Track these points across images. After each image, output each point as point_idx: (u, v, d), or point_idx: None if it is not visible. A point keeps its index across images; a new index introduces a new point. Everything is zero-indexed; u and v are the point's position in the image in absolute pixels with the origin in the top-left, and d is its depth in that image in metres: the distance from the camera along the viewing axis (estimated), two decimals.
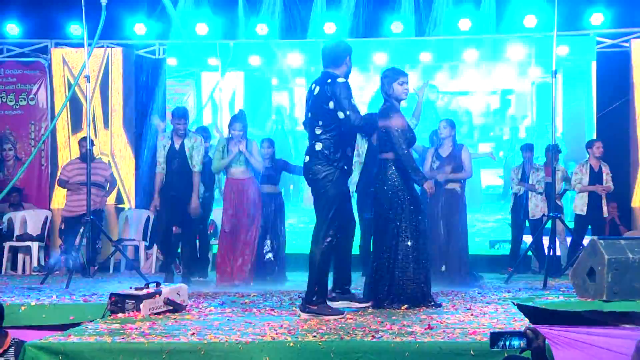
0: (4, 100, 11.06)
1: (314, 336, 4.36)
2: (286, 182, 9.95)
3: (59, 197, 10.61)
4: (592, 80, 11.17)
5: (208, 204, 8.75)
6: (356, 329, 4.59)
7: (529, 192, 9.30)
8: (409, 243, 5.64)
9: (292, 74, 13.76)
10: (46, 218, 9.96)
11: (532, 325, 4.08)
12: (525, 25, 10.42)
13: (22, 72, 11.11)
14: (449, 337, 4.29)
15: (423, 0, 10.39)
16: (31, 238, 9.66)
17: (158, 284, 5.60)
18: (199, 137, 7.99)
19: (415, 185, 5.95)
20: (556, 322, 5.16)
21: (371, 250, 5.89)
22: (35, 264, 9.57)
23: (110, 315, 5.29)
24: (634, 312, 5.59)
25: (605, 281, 5.69)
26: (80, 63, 10.66)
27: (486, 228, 12.43)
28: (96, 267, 8.87)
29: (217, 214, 8.96)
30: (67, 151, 10.74)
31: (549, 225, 7.64)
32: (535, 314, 5.56)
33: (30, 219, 9.86)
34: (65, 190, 9.20)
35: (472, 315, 5.22)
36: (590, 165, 8.96)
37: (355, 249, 7.59)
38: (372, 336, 4.33)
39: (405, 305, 5.53)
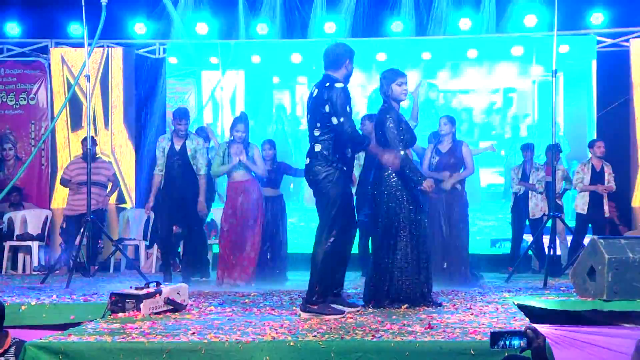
0: (4, 99, 11.07)
1: (314, 336, 4.36)
2: (287, 181, 9.96)
3: (59, 197, 10.63)
4: (593, 80, 11.18)
5: (207, 205, 8.74)
6: (356, 329, 4.59)
7: (529, 192, 9.30)
8: (408, 243, 5.63)
9: (293, 72, 13.76)
10: (46, 218, 9.97)
11: (532, 325, 4.09)
12: (525, 25, 10.43)
13: (23, 72, 11.12)
14: (449, 336, 4.29)
15: (423, 0, 10.39)
16: (31, 238, 9.67)
17: (158, 284, 5.60)
18: (200, 139, 7.99)
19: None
20: (556, 322, 5.17)
21: (370, 250, 5.88)
22: (35, 263, 9.58)
23: (110, 315, 5.29)
24: (634, 311, 5.60)
25: (606, 280, 5.69)
26: (79, 62, 10.69)
27: (487, 227, 12.43)
28: (96, 267, 8.88)
29: (217, 214, 8.97)
30: (67, 149, 10.75)
31: (549, 224, 7.64)
32: (536, 314, 5.56)
33: (30, 219, 9.87)
34: (67, 189, 9.21)
35: (472, 314, 5.22)
36: (592, 165, 8.96)
37: (355, 249, 7.60)
38: (373, 336, 4.33)
39: (405, 305, 5.53)
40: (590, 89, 11.67)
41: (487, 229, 12.30)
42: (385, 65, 11.50)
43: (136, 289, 5.46)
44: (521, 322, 4.82)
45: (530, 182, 9.26)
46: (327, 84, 5.37)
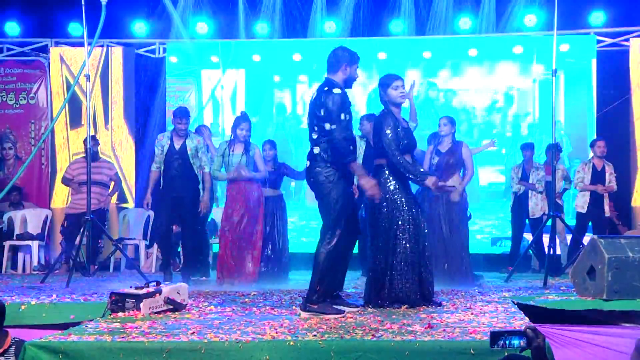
0: (4, 99, 11.07)
1: (314, 335, 4.36)
2: (287, 180, 9.98)
3: (59, 196, 10.64)
4: (592, 79, 11.18)
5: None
6: (356, 328, 4.58)
7: (529, 191, 9.30)
8: (408, 246, 5.62)
9: (294, 71, 13.77)
10: (46, 217, 9.97)
11: (532, 324, 4.08)
12: (525, 25, 10.43)
13: (22, 71, 11.13)
14: (449, 336, 4.29)
15: (423, 0, 10.40)
16: (31, 237, 9.67)
17: (158, 283, 5.60)
18: (200, 137, 8.00)
19: (413, 185, 5.93)
20: (556, 321, 5.16)
21: (370, 251, 5.87)
22: (35, 263, 9.58)
23: (110, 315, 5.29)
24: (634, 311, 5.59)
25: (606, 280, 5.69)
26: (77, 61, 10.70)
27: (488, 226, 12.44)
28: (96, 266, 8.88)
29: (217, 214, 8.97)
30: (66, 150, 10.75)
31: (549, 223, 7.64)
32: (536, 313, 5.55)
33: (30, 218, 9.87)
34: (69, 188, 9.22)
35: (472, 314, 5.22)
36: (593, 164, 8.97)
37: (354, 249, 7.60)
38: (372, 335, 4.33)
39: (405, 306, 5.52)
40: (591, 88, 11.68)
41: (488, 228, 12.32)
42: (385, 64, 11.55)
43: (136, 288, 5.46)
44: (521, 322, 4.82)
45: (530, 181, 9.26)
46: (326, 88, 5.37)
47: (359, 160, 7.76)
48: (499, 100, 14.55)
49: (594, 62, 10.97)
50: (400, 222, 5.63)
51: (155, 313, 5.32)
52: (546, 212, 8.94)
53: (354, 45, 5.66)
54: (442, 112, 12.81)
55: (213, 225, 9.51)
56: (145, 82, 11.22)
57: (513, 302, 5.84)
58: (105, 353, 4.14)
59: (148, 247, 9.74)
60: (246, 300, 6.24)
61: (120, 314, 5.25)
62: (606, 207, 8.94)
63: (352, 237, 5.52)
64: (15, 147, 11.07)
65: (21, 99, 11.08)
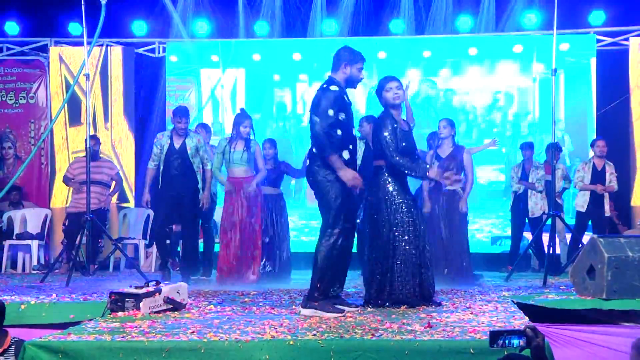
0: (4, 98, 11.08)
1: (314, 335, 4.36)
2: (288, 179, 10.00)
3: (59, 196, 10.64)
4: (592, 78, 11.18)
5: (211, 203, 8.71)
6: (356, 328, 4.58)
7: (529, 190, 9.30)
8: (407, 247, 5.61)
9: (294, 70, 13.76)
10: (46, 217, 9.97)
11: (531, 324, 4.08)
12: (525, 24, 10.43)
13: (22, 71, 11.13)
14: (448, 335, 4.28)
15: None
16: (31, 237, 9.67)
17: (158, 283, 5.60)
18: (200, 136, 8.00)
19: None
20: (556, 321, 5.16)
21: (368, 253, 5.87)
22: (35, 262, 9.57)
23: (110, 314, 5.29)
24: (634, 310, 5.59)
25: (605, 279, 5.69)
26: (76, 60, 10.71)
27: (488, 225, 12.45)
28: (96, 266, 8.87)
29: (217, 214, 8.96)
30: (65, 150, 10.75)
31: (548, 223, 7.64)
32: (535, 312, 5.55)
33: (30, 218, 9.87)
34: (69, 188, 9.22)
35: (471, 313, 5.22)
36: (594, 164, 8.97)
37: (354, 249, 7.59)
38: (372, 335, 4.33)
39: (405, 306, 5.52)
40: (591, 87, 11.68)
41: (488, 227, 12.32)
42: (385, 64, 11.56)
43: (136, 288, 5.46)
44: (520, 321, 4.82)
45: (530, 180, 9.26)
46: (324, 85, 5.41)
47: (358, 161, 7.77)
48: (499, 100, 14.55)
49: (593, 61, 10.97)
50: (399, 224, 5.63)
51: (155, 312, 5.32)
52: (546, 212, 8.94)
53: (353, 45, 5.66)
54: (442, 111, 12.82)
55: (213, 225, 9.51)
56: (145, 81, 11.22)
57: (513, 301, 5.84)
58: (105, 352, 4.13)
59: (148, 246, 9.73)
60: (246, 299, 6.24)
61: (120, 313, 5.25)
62: (606, 207, 8.94)
63: (352, 232, 5.52)
64: (15, 147, 11.07)
65: (21, 99, 11.08)
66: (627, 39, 10.44)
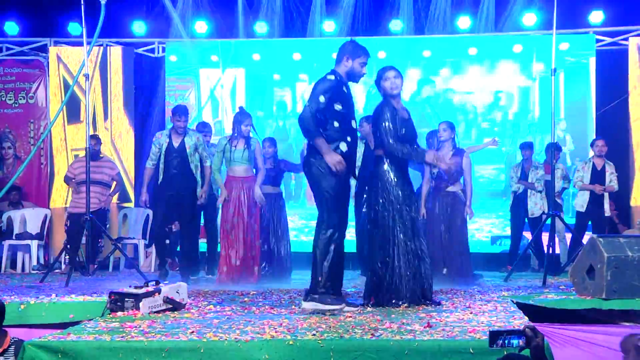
0: (3, 98, 11.08)
1: (313, 334, 4.35)
2: (288, 180, 10.00)
3: (59, 196, 10.63)
4: (591, 78, 11.18)
5: (214, 203, 8.68)
6: (355, 328, 4.58)
7: (529, 190, 9.30)
8: (404, 238, 5.61)
9: (294, 69, 13.76)
10: (45, 216, 9.97)
11: (531, 324, 4.08)
12: (525, 24, 10.44)
13: (22, 71, 11.13)
14: (448, 335, 4.28)
15: None
16: (30, 237, 9.67)
17: (157, 283, 5.60)
18: (199, 134, 8.00)
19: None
20: (555, 320, 5.16)
21: (369, 247, 5.87)
22: (34, 262, 9.58)
23: (109, 314, 5.29)
24: (633, 310, 5.59)
25: (605, 279, 5.69)
26: (74, 59, 10.72)
27: (487, 224, 12.43)
28: (96, 266, 8.87)
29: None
30: (64, 149, 10.75)
31: (548, 222, 7.64)
32: (535, 312, 5.55)
33: (29, 218, 9.87)
34: (68, 188, 9.21)
35: (471, 313, 5.22)
36: (593, 164, 8.97)
37: (353, 248, 7.59)
38: (372, 334, 4.32)
39: (405, 304, 5.52)
40: (590, 86, 11.68)
41: (487, 226, 12.31)
42: (385, 63, 11.51)
43: (135, 287, 5.46)
44: (520, 321, 4.81)
45: (530, 180, 9.26)
46: (323, 76, 5.46)
47: (358, 162, 7.77)
48: (499, 99, 14.54)
49: (592, 61, 10.97)
50: (395, 215, 5.60)
51: (155, 312, 5.32)
52: (545, 211, 8.94)
53: None
54: (442, 111, 12.81)
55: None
56: (145, 81, 11.22)
57: (512, 301, 5.84)
58: (104, 352, 4.13)
59: (147, 246, 9.73)
60: (245, 299, 6.24)
61: (119, 313, 5.25)
62: (606, 207, 8.94)
63: (345, 228, 5.51)
64: (15, 147, 11.07)
65: (20, 99, 11.08)
66: (626, 39, 10.44)
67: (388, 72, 5.77)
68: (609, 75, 10.58)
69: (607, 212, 8.97)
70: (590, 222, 9.06)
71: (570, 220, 9.56)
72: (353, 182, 7.42)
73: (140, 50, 11.16)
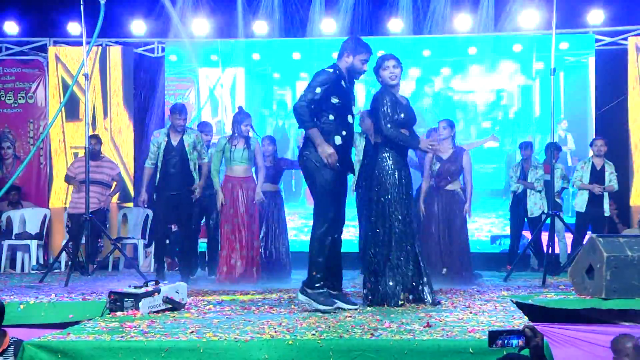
0: (3, 98, 11.08)
1: (313, 334, 4.35)
2: (288, 180, 9.99)
3: (58, 196, 10.63)
4: (590, 78, 11.18)
5: (215, 203, 8.65)
6: (355, 327, 4.58)
7: (528, 190, 9.30)
8: (401, 227, 5.59)
9: (294, 68, 13.76)
10: (45, 216, 9.96)
11: (530, 323, 4.09)
12: (524, 23, 10.44)
13: (21, 71, 11.13)
14: (447, 335, 4.28)
15: None
16: (30, 236, 9.67)
17: (157, 282, 5.60)
18: (198, 132, 8.00)
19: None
20: (555, 320, 5.17)
21: (368, 237, 5.86)
22: (34, 262, 9.57)
23: (109, 314, 5.29)
24: (633, 309, 5.60)
25: (604, 279, 5.69)
26: (73, 59, 10.72)
27: (487, 224, 12.44)
28: (95, 266, 8.87)
29: None
30: (63, 151, 10.75)
31: (548, 222, 7.64)
32: (534, 312, 5.56)
33: (29, 218, 9.86)
34: (67, 188, 9.21)
35: (471, 313, 5.22)
36: (593, 163, 8.97)
37: (354, 247, 7.59)
38: (371, 334, 4.33)
39: (406, 295, 5.51)
40: (590, 86, 11.69)
41: (487, 226, 12.31)
42: None
43: (135, 287, 5.46)
44: (520, 321, 4.81)
45: (529, 180, 9.26)
46: (323, 69, 5.46)
47: (359, 156, 7.77)
48: (498, 99, 14.55)
49: (592, 60, 10.97)
50: (392, 202, 5.60)
51: (154, 312, 5.32)
52: (545, 211, 8.94)
53: None
54: (442, 110, 12.81)
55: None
56: (144, 81, 11.22)
57: (512, 301, 5.84)
58: (104, 352, 4.13)
59: (147, 246, 9.73)
60: (245, 299, 6.24)
61: (119, 313, 5.25)
62: (606, 206, 8.93)
63: (342, 223, 5.52)
64: (14, 147, 11.07)
65: (20, 99, 11.08)
66: (625, 39, 10.45)
67: (388, 60, 5.74)
68: (608, 74, 10.58)
69: (607, 211, 8.96)
70: (590, 222, 9.04)
71: (570, 220, 9.56)
72: (353, 180, 7.44)
73: (139, 50, 11.15)
